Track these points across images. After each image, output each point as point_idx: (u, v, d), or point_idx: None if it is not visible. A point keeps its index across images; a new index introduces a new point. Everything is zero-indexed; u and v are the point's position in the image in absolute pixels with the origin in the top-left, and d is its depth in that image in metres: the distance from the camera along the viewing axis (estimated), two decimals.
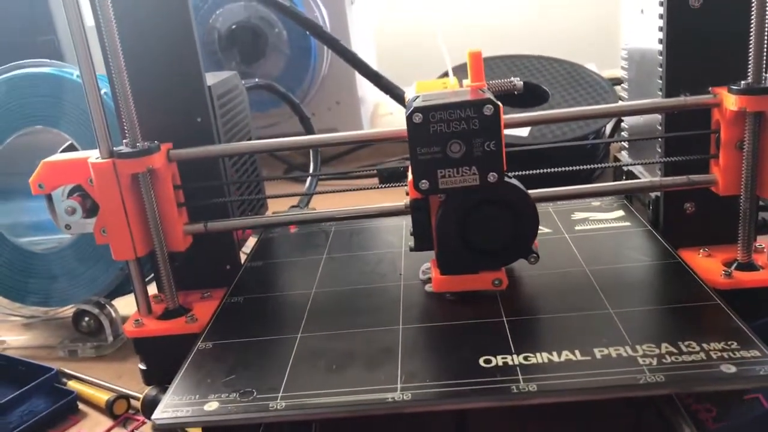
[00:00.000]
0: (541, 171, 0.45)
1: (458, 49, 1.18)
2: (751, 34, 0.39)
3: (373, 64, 1.23)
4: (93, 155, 0.44)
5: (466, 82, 0.43)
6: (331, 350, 0.38)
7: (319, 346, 0.39)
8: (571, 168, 0.45)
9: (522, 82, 0.42)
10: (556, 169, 0.45)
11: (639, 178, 0.51)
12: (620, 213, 0.53)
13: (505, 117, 0.44)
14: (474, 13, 1.54)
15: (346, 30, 1.02)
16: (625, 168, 0.55)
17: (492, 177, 0.39)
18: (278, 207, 0.63)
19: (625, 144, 0.58)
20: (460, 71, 0.88)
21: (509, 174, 0.41)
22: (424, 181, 0.39)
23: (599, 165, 0.47)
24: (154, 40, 0.46)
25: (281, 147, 0.46)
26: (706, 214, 0.46)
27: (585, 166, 0.46)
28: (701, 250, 0.46)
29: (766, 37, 0.39)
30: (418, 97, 0.40)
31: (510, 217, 0.40)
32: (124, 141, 0.44)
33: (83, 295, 0.58)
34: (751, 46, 0.39)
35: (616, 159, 0.59)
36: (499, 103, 0.41)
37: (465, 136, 0.38)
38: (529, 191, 0.45)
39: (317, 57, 1.01)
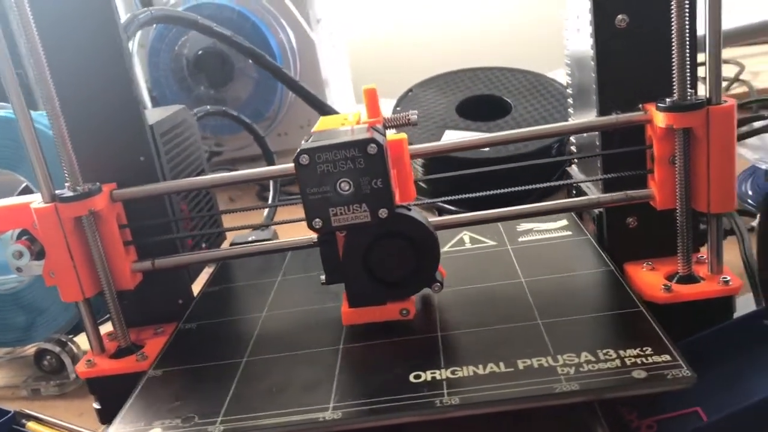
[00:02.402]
0: (494, 192, 0.46)
1: (424, 62, 1.18)
2: (674, 51, 0.39)
3: (348, 79, 1.25)
4: (36, 199, 0.44)
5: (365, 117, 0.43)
6: (273, 373, 0.40)
7: (262, 369, 0.41)
8: (523, 188, 0.46)
9: (416, 116, 0.43)
10: (507, 190, 0.46)
11: (586, 194, 0.52)
12: (564, 222, 0.55)
13: (423, 146, 0.45)
14: (440, 26, 1.56)
15: (313, 49, 1.03)
16: (573, 183, 0.55)
17: (383, 213, 0.40)
18: (243, 232, 0.64)
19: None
20: (429, 84, 0.89)
21: (409, 206, 0.42)
22: (317, 219, 0.40)
23: (546, 184, 0.48)
24: (90, 81, 0.46)
25: (223, 182, 0.46)
26: (648, 227, 0.47)
27: (532, 186, 0.47)
28: (645, 264, 0.46)
29: (687, 55, 0.39)
30: (310, 136, 0.41)
31: (410, 249, 0.41)
32: (66, 184, 0.44)
33: (45, 333, 0.58)
34: (674, 63, 0.40)
35: (568, 173, 0.59)
36: (404, 135, 0.42)
37: (352, 175, 0.39)
38: (475, 213, 0.46)
39: None
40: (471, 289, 0.46)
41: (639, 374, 0.34)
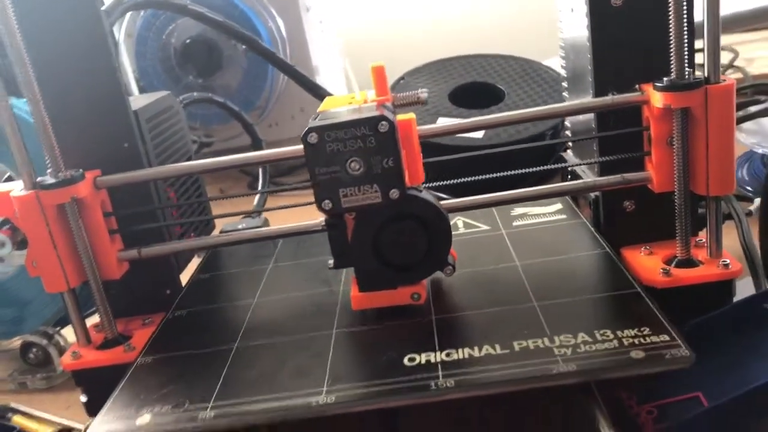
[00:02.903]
0: (490, 176, 0.45)
1: (420, 48, 1.17)
2: (671, 29, 0.38)
3: (339, 67, 1.24)
4: (17, 187, 0.43)
5: (372, 95, 0.42)
6: (265, 358, 0.39)
7: (254, 354, 0.40)
8: (518, 172, 0.45)
9: (426, 94, 0.41)
10: (503, 174, 0.45)
11: (581, 178, 0.51)
12: (558, 206, 0.54)
13: (430, 127, 0.44)
14: (435, 12, 1.54)
15: (303, 38, 1.02)
16: (569, 168, 0.54)
17: (394, 193, 0.38)
18: (231, 220, 0.63)
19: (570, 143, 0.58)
20: (420, 71, 0.88)
21: (420, 188, 0.41)
22: (326, 201, 0.39)
23: (542, 167, 0.47)
24: (72, 67, 0.45)
25: (211, 167, 0.45)
26: (646, 211, 0.46)
27: (527, 170, 0.46)
28: (643, 248, 0.45)
29: (685, 33, 0.38)
30: (317, 115, 0.40)
31: (421, 231, 0.40)
32: (48, 171, 0.43)
33: (32, 325, 0.57)
34: (671, 42, 0.39)
35: (562, 157, 0.58)
36: (412, 114, 0.41)
37: (363, 154, 0.38)
38: (470, 198, 0.45)
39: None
40: (465, 272, 0.45)
41: (637, 354, 0.33)
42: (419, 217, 0.40)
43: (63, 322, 0.58)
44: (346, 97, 0.44)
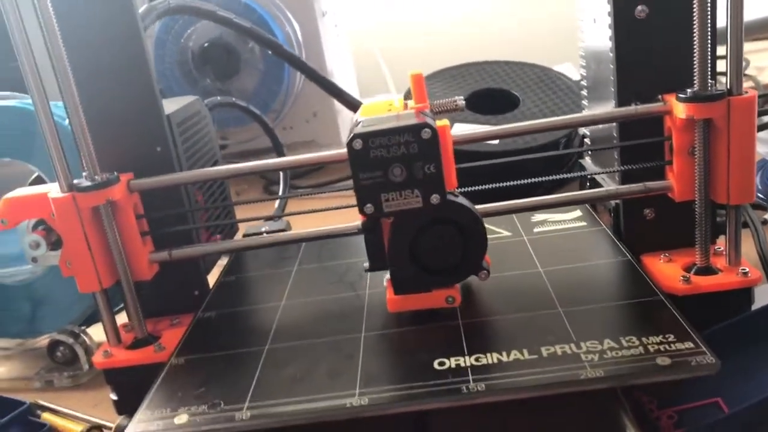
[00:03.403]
0: (507, 184, 0.46)
1: (432, 55, 1.18)
2: (695, 42, 0.39)
3: (352, 71, 1.25)
4: (54, 189, 0.44)
5: (411, 103, 0.43)
6: (297, 360, 0.40)
7: (285, 356, 0.41)
8: (537, 180, 0.46)
9: (464, 101, 0.42)
10: (522, 182, 0.46)
11: (601, 185, 0.52)
12: (578, 213, 0.55)
13: (465, 134, 0.45)
14: (449, 18, 1.55)
15: (318, 42, 1.03)
16: (588, 176, 0.55)
17: (435, 199, 0.40)
18: (253, 223, 0.64)
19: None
20: (436, 77, 0.89)
21: (456, 193, 0.42)
22: (368, 205, 0.40)
23: (562, 175, 0.48)
24: (108, 71, 0.46)
25: (239, 172, 0.46)
26: (665, 219, 0.47)
27: (548, 177, 0.47)
28: (662, 256, 0.46)
29: (709, 45, 0.39)
30: (359, 122, 0.41)
31: (458, 236, 0.41)
32: (83, 174, 0.44)
33: (58, 324, 0.58)
34: (695, 54, 0.39)
35: (581, 165, 0.59)
36: (447, 121, 0.42)
37: (405, 160, 0.39)
38: (492, 205, 0.46)
39: (291, 70, 1.01)
40: (490, 278, 0.45)
41: (663, 361, 0.34)
42: (456, 222, 0.41)
43: (88, 321, 0.59)
44: (385, 104, 0.45)
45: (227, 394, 0.38)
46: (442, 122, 0.42)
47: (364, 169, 0.39)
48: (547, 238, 0.51)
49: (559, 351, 0.36)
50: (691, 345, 0.35)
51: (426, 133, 0.38)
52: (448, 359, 0.37)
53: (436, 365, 0.37)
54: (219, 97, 0.68)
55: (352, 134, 0.39)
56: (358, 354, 0.39)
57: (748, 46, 1.18)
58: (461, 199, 0.41)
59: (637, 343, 0.36)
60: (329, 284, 0.49)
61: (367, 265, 0.43)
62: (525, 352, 0.37)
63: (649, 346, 0.35)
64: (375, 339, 0.41)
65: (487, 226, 0.54)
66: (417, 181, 0.39)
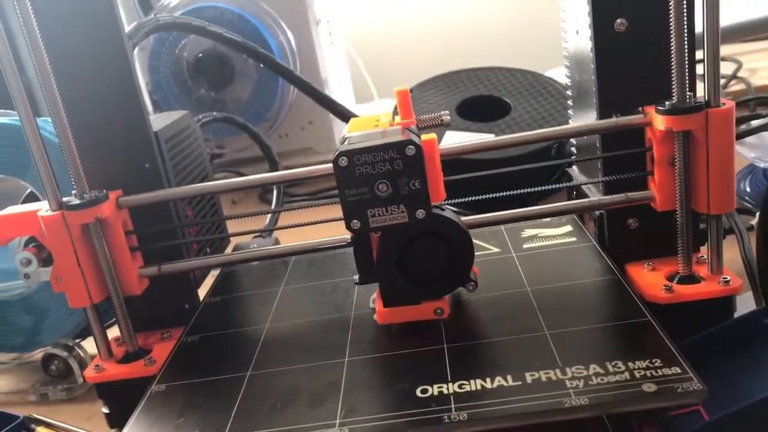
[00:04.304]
0: (493, 195, 0.47)
1: (423, 62, 1.18)
2: (672, 54, 0.40)
3: (347, 79, 1.26)
4: (43, 207, 0.45)
5: (398, 118, 0.43)
6: (278, 387, 0.39)
7: (267, 384, 0.40)
8: (525, 191, 0.47)
9: (449, 116, 0.43)
10: (509, 193, 0.46)
11: (587, 195, 0.52)
12: (568, 228, 0.54)
13: (452, 146, 0.45)
14: (438, 25, 1.56)
15: (313, 51, 1.04)
16: (573, 186, 0.56)
17: (420, 213, 0.40)
18: (244, 238, 0.64)
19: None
20: (428, 84, 0.89)
21: (443, 206, 0.42)
22: (354, 221, 0.40)
23: (547, 187, 0.48)
24: (95, 89, 0.46)
25: (227, 188, 0.47)
26: (649, 228, 0.47)
27: (533, 189, 0.47)
28: (646, 264, 0.47)
29: (686, 59, 0.40)
30: (346, 139, 0.41)
31: (445, 248, 0.42)
32: (73, 192, 0.45)
33: (53, 338, 0.59)
34: (673, 66, 0.40)
35: (568, 173, 0.59)
36: (434, 135, 0.42)
37: (390, 176, 0.39)
38: (477, 216, 0.46)
39: None
40: (477, 298, 0.46)
41: (649, 387, 0.33)
42: (442, 235, 0.41)
43: (82, 334, 0.60)
44: (372, 119, 0.46)
45: (206, 424, 0.37)
46: (429, 136, 0.42)
47: (350, 186, 0.40)
48: (536, 255, 0.51)
49: (543, 377, 0.36)
50: (678, 370, 0.34)
51: (410, 150, 0.39)
52: (431, 386, 0.36)
53: (418, 393, 0.36)
54: (215, 113, 0.68)
55: (337, 152, 0.39)
56: (341, 382, 0.39)
57: (741, 47, 1.19)
58: (448, 212, 0.42)
59: (623, 368, 0.35)
60: (315, 305, 0.49)
61: (357, 277, 0.43)
62: (509, 378, 0.36)
63: (635, 372, 0.35)
64: (358, 365, 0.40)
65: (476, 241, 0.54)
66: (402, 196, 0.40)
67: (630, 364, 0.35)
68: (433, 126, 0.43)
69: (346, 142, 0.40)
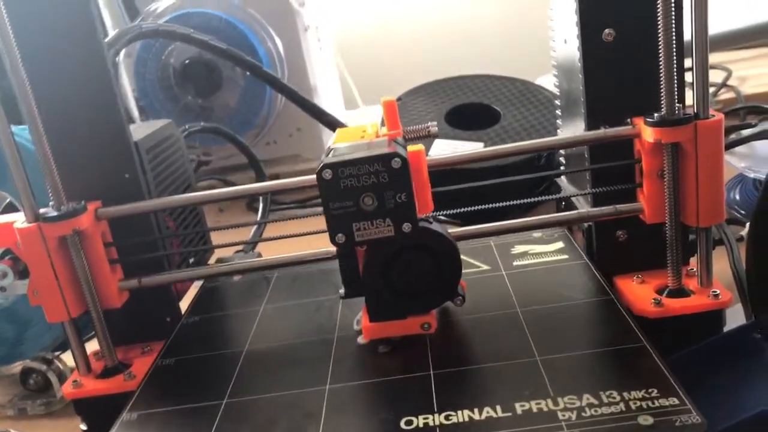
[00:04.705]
0: (481, 207, 0.46)
1: (412, 69, 1.18)
2: (661, 66, 0.39)
3: (337, 86, 1.25)
4: (19, 219, 0.44)
5: (384, 129, 0.43)
6: (255, 416, 0.37)
7: (244, 412, 0.38)
8: (514, 202, 0.46)
9: (436, 127, 0.42)
10: (497, 205, 0.46)
11: (576, 206, 0.52)
12: (560, 245, 0.53)
13: (441, 158, 0.44)
14: (428, 32, 1.56)
15: (301, 58, 1.03)
16: (562, 198, 0.55)
17: (406, 227, 0.39)
18: (227, 251, 0.63)
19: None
20: (417, 92, 0.89)
21: (430, 219, 0.42)
22: (339, 235, 0.39)
23: (535, 199, 0.47)
24: (73, 98, 0.45)
25: (210, 199, 0.46)
26: (638, 240, 0.47)
27: (521, 201, 0.47)
28: (635, 277, 0.46)
29: (675, 70, 0.39)
30: (331, 150, 0.40)
31: (431, 262, 0.41)
32: (50, 203, 0.44)
33: (31, 351, 0.57)
34: (661, 78, 0.39)
35: (557, 183, 0.59)
36: (421, 146, 0.42)
37: (376, 189, 0.38)
38: (464, 229, 0.46)
39: None
40: (465, 319, 0.44)
41: (645, 420, 0.32)
42: (430, 248, 0.40)
43: (62, 347, 0.59)
44: (358, 130, 0.45)
45: None
46: (416, 147, 0.42)
47: (335, 199, 0.39)
48: (526, 273, 0.49)
49: (534, 408, 0.34)
50: (676, 401, 0.33)
51: (396, 163, 0.38)
52: (416, 417, 0.35)
53: (402, 424, 0.34)
54: (203, 123, 0.67)
55: (321, 164, 0.38)
56: (321, 411, 0.37)
57: (730, 55, 1.19)
58: (435, 226, 0.41)
59: (618, 398, 0.34)
60: (297, 325, 0.47)
61: (342, 291, 0.42)
62: (498, 408, 0.34)
63: (631, 403, 0.33)
64: (340, 393, 0.39)
65: (465, 258, 0.52)
66: (388, 210, 0.39)
67: (625, 394, 0.34)
68: (420, 137, 0.42)
69: (330, 154, 0.39)
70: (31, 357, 0.57)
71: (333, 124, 0.74)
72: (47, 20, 0.44)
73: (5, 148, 0.41)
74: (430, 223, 0.41)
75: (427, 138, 0.42)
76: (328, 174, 0.38)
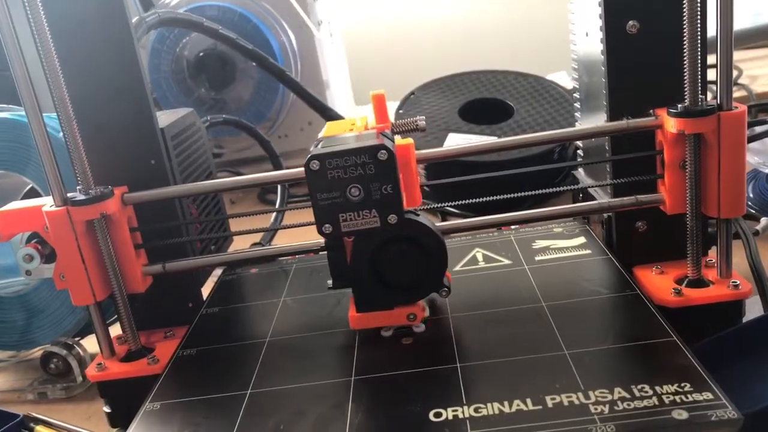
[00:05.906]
0: (498, 198, 0.46)
1: (425, 65, 1.18)
2: (685, 57, 0.40)
3: (347, 81, 1.25)
4: (48, 203, 0.44)
5: (372, 122, 0.43)
6: (281, 407, 0.37)
7: (269, 403, 0.38)
8: (533, 192, 0.46)
9: (424, 122, 0.43)
10: (513, 195, 0.46)
11: (594, 198, 0.52)
12: (581, 240, 0.52)
13: (430, 151, 0.45)
14: (440, 28, 1.56)
15: (314, 52, 1.03)
16: (580, 189, 0.56)
17: (392, 219, 0.40)
18: (247, 242, 0.63)
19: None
20: (431, 87, 0.89)
21: (417, 210, 0.42)
22: (326, 225, 0.40)
23: (554, 189, 0.48)
24: (102, 84, 0.46)
25: (233, 186, 0.46)
26: (657, 231, 0.47)
27: (540, 191, 0.47)
28: (654, 268, 0.46)
29: (699, 62, 0.40)
30: (319, 142, 0.41)
31: (417, 254, 0.41)
32: (78, 187, 0.44)
33: (52, 336, 0.58)
34: (685, 69, 0.40)
35: (574, 175, 0.59)
36: (411, 139, 0.43)
37: (362, 181, 0.39)
38: (481, 218, 0.46)
39: None
40: (489, 313, 0.44)
41: (680, 414, 0.31)
42: (416, 240, 0.41)
43: (82, 332, 0.59)
44: (347, 123, 0.45)
45: None
46: (405, 141, 0.42)
47: (322, 190, 0.39)
48: (549, 268, 0.49)
49: (565, 401, 0.33)
50: (710, 396, 0.32)
51: (382, 155, 0.39)
52: (445, 410, 0.34)
53: (431, 417, 0.34)
54: (224, 115, 0.68)
55: (309, 155, 0.39)
56: (347, 403, 0.36)
57: (741, 55, 1.20)
58: (422, 218, 0.42)
59: (650, 392, 0.33)
60: (318, 318, 0.47)
61: (330, 282, 0.43)
62: (528, 401, 0.34)
63: (664, 397, 0.32)
64: (366, 384, 0.38)
65: (486, 253, 0.53)
66: (374, 201, 0.39)
67: (657, 388, 0.33)
68: (408, 131, 0.43)
69: (319, 145, 0.40)
70: (51, 342, 0.57)
71: (334, 119, 0.75)
72: (78, 7, 0.45)
73: (36, 133, 0.42)
74: (417, 215, 0.42)
75: (416, 132, 0.43)
76: (315, 165, 0.39)
